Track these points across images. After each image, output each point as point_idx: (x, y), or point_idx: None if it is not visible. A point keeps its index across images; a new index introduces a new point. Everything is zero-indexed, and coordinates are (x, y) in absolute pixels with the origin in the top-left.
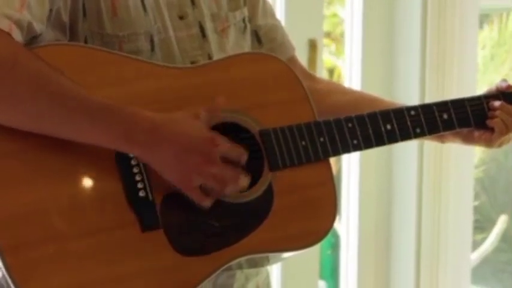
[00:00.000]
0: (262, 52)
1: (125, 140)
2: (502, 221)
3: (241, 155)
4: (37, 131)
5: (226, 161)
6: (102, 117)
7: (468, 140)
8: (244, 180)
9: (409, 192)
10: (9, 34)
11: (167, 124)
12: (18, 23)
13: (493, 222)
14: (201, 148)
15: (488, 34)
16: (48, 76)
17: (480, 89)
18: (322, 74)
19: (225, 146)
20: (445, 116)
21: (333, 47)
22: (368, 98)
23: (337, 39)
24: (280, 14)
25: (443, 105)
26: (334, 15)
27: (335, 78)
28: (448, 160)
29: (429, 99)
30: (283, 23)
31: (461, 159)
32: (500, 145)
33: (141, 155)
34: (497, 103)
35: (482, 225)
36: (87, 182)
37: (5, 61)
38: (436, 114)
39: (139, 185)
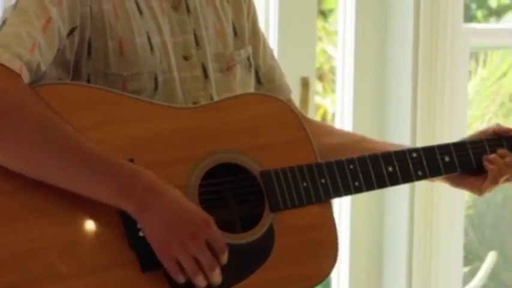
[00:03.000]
0: (264, 93)
1: (121, 193)
2: (490, 258)
3: (224, 250)
4: (37, 177)
5: (209, 248)
6: (102, 170)
7: (458, 183)
8: (217, 276)
9: (401, 230)
10: (19, 76)
11: (168, 191)
12: (28, 64)
13: (481, 260)
14: (193, 223)
15: (473, 71)
16: (51, 124)
17: (470, 126)
18: (313, 112)
19: (216, 232)
20: (447, 159)
21: (319, 85)
22: (359, 139)
23: (325, 77)
24: None
25: (445, 148)
26: (323, 51)
27: (320, 117)
28: (439, 197)
29: (420, 137)
30: None
31: (452, 196)
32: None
33: (133, 210)
34: (503, 150)
35: (470, 263)
36: (87, 221)
37: (12, 104)
38: (438, 156)
39: (140, 225)
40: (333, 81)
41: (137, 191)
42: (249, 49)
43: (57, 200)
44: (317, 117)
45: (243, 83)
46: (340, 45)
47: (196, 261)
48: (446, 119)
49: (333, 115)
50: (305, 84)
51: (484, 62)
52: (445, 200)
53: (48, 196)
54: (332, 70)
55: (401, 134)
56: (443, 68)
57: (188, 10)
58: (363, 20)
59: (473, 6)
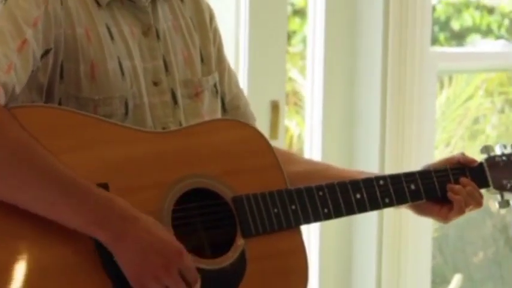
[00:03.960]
0: (235, 119)
1: (95, 222)
2: (456, 280)
3: (197, 280)
4: (10, 201)
5: (183, 278)
6: (76, 197)
7: (423, 211)
8: None
9: (369, 255)
10: None
11: (141, 220)
12: (4, 86)
13: (447, 282)
14: (166, 254)
15: (439, 92)
16: (28, 147)
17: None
18: (283, 136)
19: (189, 262)
20: (413, 187)
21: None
22: (324, 168)
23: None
24: (242, 75)
25: (410, 176)
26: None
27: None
28: (407, 220)
29: (388, 159)
30: (245, 84)
31: (420, 220)
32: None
33: (107, 241)
34: (465, 180)
35: (437, 286)
36: (61, 247)
37: None
38: (404, 184)
39: (113, 254)
40: (296, 103)
41: (111, 221)
42: (216, 76)
43: (30, 223)
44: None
45: (210, 109)
46: (309, 68)
47: None
48: (414, 143)
49: (299, 137)
50: (275, 107)
51: (450, 84)
52: (413, 223)
53: (21, 219)
54: (295, 92)
55: (369, 157)
56: (412, 91)
57: (158, 36)
58: (332, 43)
59: (436, 29)
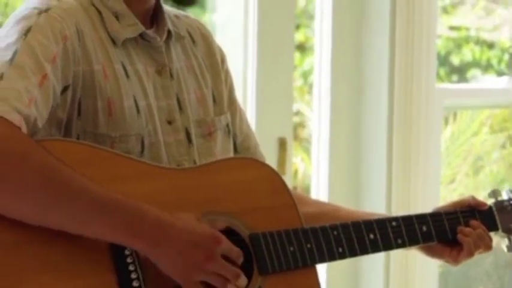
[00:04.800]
0: (252, 158)
1: (129, 233)
2: None
3: (240, 255)
4: (41, 222)
5: (226, 259)
6: (109, 210)
7: (434, 253)
8: (243, 280)
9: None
10: (19, 128)
11: (172, 221)
12: (26, 119)
13: None
14: (204, 245)
15: (443, 129)
16: (55, 168)
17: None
18: (290, 172)
19: (227, 244)
20: (425, 228)
21: None
22: (334, 209)
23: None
24: (250, 112)
25: (422, 218)
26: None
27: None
28: (414, 257)
29: (395, 196)
30: (253, 121)
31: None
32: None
33: (144, 249)
34: (475, 223)
35: None
36: (80, 277)
37: (16, 153)
38: (416, 226)
39: (135, 284)
40: (302, 139)
41: (145, 230)
42: (228, 116)
43: (52, 255)
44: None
45: (223, 149)
46: (315, 103)
47: (220, 276)
48: (421, 179)
49: (304, 174)
50: (282, 144)
51: (454, 120)
52: (420, 259)
53: (42, 252)
54: (298, 127)
55: (376, 193)
56: (418, 128)
57: (171, 75)
58: (338, 79)
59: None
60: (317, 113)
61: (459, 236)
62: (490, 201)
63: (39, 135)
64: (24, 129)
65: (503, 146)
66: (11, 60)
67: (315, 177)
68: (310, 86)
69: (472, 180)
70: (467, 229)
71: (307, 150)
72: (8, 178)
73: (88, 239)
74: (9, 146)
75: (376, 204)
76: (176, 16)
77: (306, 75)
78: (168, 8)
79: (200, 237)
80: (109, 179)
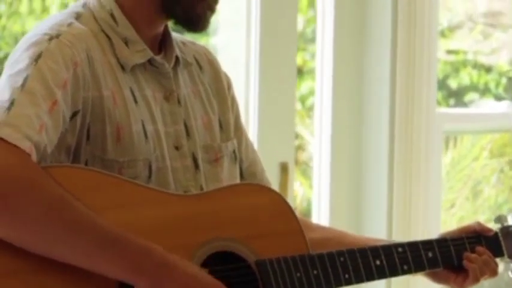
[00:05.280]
0: (259, 183)
1: (134, 270)
2: None
3: None
4: (47, 254)
5: None
6: (116, 247)
7: (440, 279)
8: None
9: None
10: (29, 155)
11: (177, 262)
12: (37, 145)
13: None
14: None
15: (444, 153)
16: (64, 201)
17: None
18: (292, 197)
19: None
20: (430, 255)
21: None
22: (340, 235)
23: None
24: (252, 136)
25: (428, 244)
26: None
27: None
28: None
29: (396, 222)
30: (255, 145)
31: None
32: None
33: (149, 287)
34: (481, 249)
35: None
36: None
37: (24, 182)
38: (422, 252)
39: None
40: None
41: (151, 267)
42: (235, 142)
43: (58, 284)
44: None
45: (229, 175)
46: (316, 131)
47: None
48: (422, 204)
49: (302, 197)
50: (284, 169)
51: (455, 145)
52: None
53: (47, 279)
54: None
55: (377, 219)
56: (418, 153)
57: (179, 102)
58: (339, 107)
59: None
60: (318, 138)
61: (465, 262)
62: (496, 227)
63: (48, 160)
64: (34, 156)
65: (502, 171)
66: (22, 86)
67: (316, 202)
68: (308, 110)
69: (472, 205)
70: (473, 255)
71: (305, 174)
72: (18, 208)
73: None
74: (19, 176)
75: (377, 229)
76: (183, 43)
77: (303, 98)
78: (175, 35)
79: (202, 284)
80: (116, 205)
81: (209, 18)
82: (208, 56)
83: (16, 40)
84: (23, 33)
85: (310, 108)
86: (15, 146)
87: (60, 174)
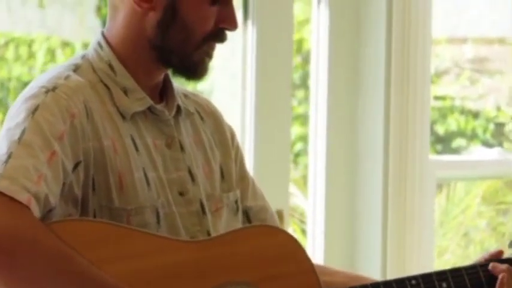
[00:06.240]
0: (267, 224)
1: None
2: None
3: None
4: None
5: None
6: None
7: None
8: None
9: None
10: (28, 208)
11: None
12: (36, 196)
13: None
14: None
15: (437, 201)
16: (66, 256)
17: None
18: None
19: None
20: (444, 285)
21: None
22: (356, 277)
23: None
24: None
25: (442, 274)
26: None
27: None
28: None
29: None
30: None
31: None
32: None
33: None
34: (503, 266)
35: None
36: None
37: (25, 239)
38: (436, 283)
39: None
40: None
41: None
42: (237, 193)
43: None
44: None
45: (227, 226)
46: (310, 185)
47: None
48: (415, 250)
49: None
50: (279, 217)
51: (447, 192)
52: (417, 262)
53: None
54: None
55: (371, 269)
56: (412, 200)
57: (182, 149)
58: (333, 155)
59: None
60: (312, 186)
61: (492, 268)
62: (510, 251)
63: (57, 214)
64: (34, 207)
65: (493, 218)
66: (19, 139)
67: (311, 249)
68: (296, 156)
69: (463, 252)
70: (500, 265)
71: (297, 220)
72: (17, 265)
73: None
74: (18, 232)
75: (371, 274)
76: (185, 95)
77: (292, 144)
78: (177, 86)
79: None
80: (127, 256)
81: (207, 65)
82: (211, 107)
83: (2, 86)
84: (9, 79)
85: (298, 154)
86: (13, 199)
87: (70, 228)
